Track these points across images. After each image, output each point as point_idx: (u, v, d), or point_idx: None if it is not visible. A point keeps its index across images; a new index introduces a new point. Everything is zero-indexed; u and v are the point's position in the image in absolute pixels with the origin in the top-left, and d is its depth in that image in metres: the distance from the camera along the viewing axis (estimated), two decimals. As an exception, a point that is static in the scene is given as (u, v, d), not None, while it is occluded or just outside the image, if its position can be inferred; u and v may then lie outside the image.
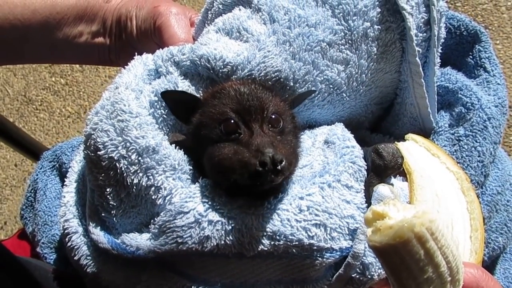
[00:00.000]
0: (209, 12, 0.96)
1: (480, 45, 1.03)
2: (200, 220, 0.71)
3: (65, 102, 2.74)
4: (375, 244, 0.60)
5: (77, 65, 2.78)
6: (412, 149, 0.88)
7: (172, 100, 0.80)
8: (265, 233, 0.71)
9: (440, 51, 0.94)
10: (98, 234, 0.79)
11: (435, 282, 0.61)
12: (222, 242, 0.71)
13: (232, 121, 0.74)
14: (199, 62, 0.83)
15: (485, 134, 0.91)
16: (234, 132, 0.73)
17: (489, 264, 0.95)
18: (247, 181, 0.68)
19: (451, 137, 0.93)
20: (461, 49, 1.05)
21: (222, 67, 0.83)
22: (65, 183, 0.93)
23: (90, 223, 0.81)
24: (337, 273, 0.75)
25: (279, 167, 0.65)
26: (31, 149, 1.58)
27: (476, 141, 0.90)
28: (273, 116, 0.76)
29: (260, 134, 0.72)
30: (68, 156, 1.11)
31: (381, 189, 0.76)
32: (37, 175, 1.13)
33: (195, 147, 0.78)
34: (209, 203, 0.73)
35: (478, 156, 0.90)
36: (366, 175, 0.80)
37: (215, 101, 0.77)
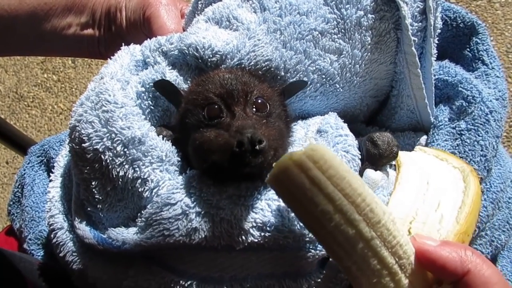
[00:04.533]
0: (199, 2, 0.94)
1: (477, 37, 1.01)
2: (187, 212, 0.69)
3: (57, 98, 2.72)
4: (267, 179, 0.61)
5: (70, 62, 2.77)
6: (414, 154, 0.86)
7: (163, 89, 0.79)
8: (255, 224, 0.69)
9: (436, 42, 0.92)
10: (84, 229, 0.77)
11: (336, 218, 0.59)
12: (211, 234, 0.69)
13: (216, 105, 0.72)
14: (187, 51, 0.82)
15: (487, 128, 0.89)
16: (217, 117, 0.72)
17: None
18: (226, 163, 0.66)
19: (452, 131, 0.91)
20: (458, 42, 1.03)
21: (211, 56, 0.81)
22: (50, 178, 0.91)
23: (76, 219, 0.79)
24: (329, 260, 0.73)
25: (257, 147, 0.63)
26: (22, 146, 1.56)
27: (479, 135, 0.88)
28: (259, 100, 0.74)
29: (242, 117, 0.71)
30: (56, 151, 1.09)
31: (369, 173, 0.75)
32: (24, 170, 1.11)
33: (182, 138, 0.76)
34: (197, 194, 0.71)
35: (481, 150, 0.88)
36: (360, 165, 0.78)
37: (199, 88, 0.76)
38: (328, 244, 0.63)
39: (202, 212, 0.69)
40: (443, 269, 0.61)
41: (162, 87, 0.79)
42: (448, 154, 0.86)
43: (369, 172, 0.76)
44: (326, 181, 0.59)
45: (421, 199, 0.74)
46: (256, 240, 0.69)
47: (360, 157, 0.78)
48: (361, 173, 0.77)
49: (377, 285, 0.61)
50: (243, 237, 0.69)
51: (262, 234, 0.69)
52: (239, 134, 0.64)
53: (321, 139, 0.81)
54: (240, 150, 0.63)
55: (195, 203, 0.70)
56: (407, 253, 0.62)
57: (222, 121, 0.71)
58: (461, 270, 0.60)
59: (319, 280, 0.73)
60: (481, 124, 0.89)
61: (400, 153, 0.82)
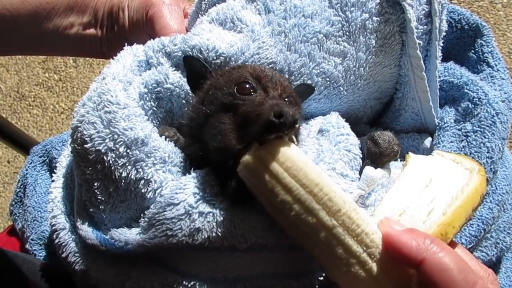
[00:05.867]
0: (203, 2, 0.93)
1: (482, 39, 1.00)
2: (190, 212, 0.69)
3: (58, 98, 2.71)
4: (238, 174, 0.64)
5: (71, 61, 2.76)
6: (429, 158, 0.85)
7: (190, 67, 0.79)
8: (258, 224, 0.69)
9: (441, 44, 0.91)
10: (86, 230, 0.77)
11: (295, 208, 0.61)
12: (214, 234, 0.68)
13: (249, 84, 0.71)
14: (191, 53, 0.81)
15: (494, 130, 0.88)
16: (248, 94, 0.70)
17: (492, 265, 0.92)
18: (260, 130, 0.63)
19: (458, 133, 0.90)
20: (463, 44, 1.03)
21: (215, 58, 0.81)
22: (52, 179, 0.91)
23: (78, 219, 0.78)
24: None
25: (296, 125, 0.63)
26: (24, 146, 1.56)
27: (485, 137, 0.88)
28: (291, 99, 0.75)
29: (277, 98, 0.69)
30: (59, 151, 1.08)
31: (368, 170, 0.74)
32: (26, 170, 1.11)
33: (195, 126, 0.75)
34: (200, 194, 0.70)
35: (487, 152, 0.87)
36: (361, 163, 0.77)
37: (233, 70, 0.75)
38: (294, 233, 0.65)
39: (205, 212, 0.69)
40: (400, 255, 0.60)
41: (190, 63, 0.79)
42: (463, 157, 0.84)
43: (367, 169, 0.75)
44: (284, 173, 0.62)
45: (417, 194, 0.74)
46: (259, 240, 0.69)
47: (361, 156, 0.78)
48: (361, 172, 0.76)
49: (348, 274, 0.62)
50: (246, 237, 0.69)
51: (265, 234, 0.69)
52: (277, 106, 0.62)
53: (323, 138, 0.81)
54: (278, 121, 0.61)
55: (198, 203, 0.69)
56: (375, 242, 0.62)
57: (253, 98, 0.69)
58: (415, 257, 0.59)
59: (321, 278, 0.73)
60: (487, 126, 0.88)
61: (413, 155, 0.81)
